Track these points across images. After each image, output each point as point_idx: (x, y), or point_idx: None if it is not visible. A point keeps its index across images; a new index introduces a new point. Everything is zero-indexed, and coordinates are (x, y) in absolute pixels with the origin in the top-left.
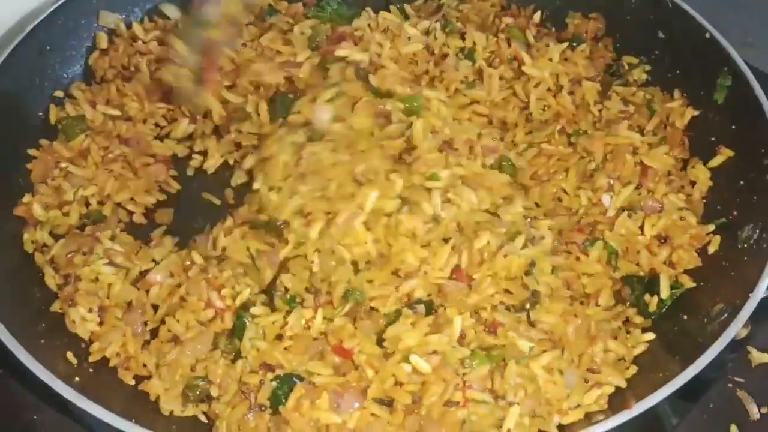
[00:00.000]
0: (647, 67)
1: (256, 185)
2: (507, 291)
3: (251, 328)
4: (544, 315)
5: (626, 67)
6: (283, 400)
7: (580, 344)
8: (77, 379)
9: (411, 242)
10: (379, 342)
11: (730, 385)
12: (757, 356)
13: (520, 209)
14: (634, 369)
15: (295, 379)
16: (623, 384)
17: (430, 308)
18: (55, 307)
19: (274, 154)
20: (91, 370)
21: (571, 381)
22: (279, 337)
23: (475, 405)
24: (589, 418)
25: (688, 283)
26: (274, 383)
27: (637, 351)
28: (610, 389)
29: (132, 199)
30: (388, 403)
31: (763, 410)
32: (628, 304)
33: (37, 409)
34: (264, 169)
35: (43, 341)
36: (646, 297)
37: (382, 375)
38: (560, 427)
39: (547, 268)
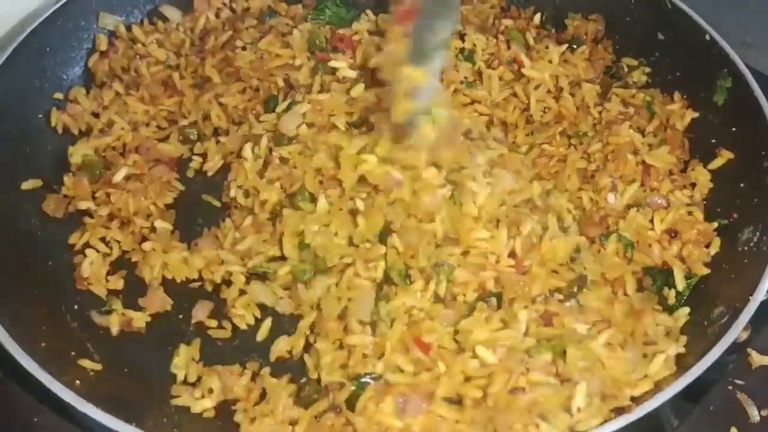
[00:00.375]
0: (647, 69)
1: None
2: (555, 273)
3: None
4: (592, 299)
5: (626, 68)
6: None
7: (629, 322)
8: (78, 382)
9: (475, 221)
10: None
11: (730, 387)
12: (757, 358)
13: (564, 197)
14: (684, 339)
15: (370, 380)
16: (681, 350)
17: (500, 301)
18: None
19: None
20: (91, 373)
21: (632, 357)
22: None
23: (540, 388)
24: (659, 386)
25: (702, 270)
26: (353, 386)
27: (681, 322)
28: (674, 353)
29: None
30: (456, 401)
31: (764, 413)
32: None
33: (37, 411)
34: None
35: (43, 344)
36: (665, 290)
37: (452, 371)
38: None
39: (590, 252)
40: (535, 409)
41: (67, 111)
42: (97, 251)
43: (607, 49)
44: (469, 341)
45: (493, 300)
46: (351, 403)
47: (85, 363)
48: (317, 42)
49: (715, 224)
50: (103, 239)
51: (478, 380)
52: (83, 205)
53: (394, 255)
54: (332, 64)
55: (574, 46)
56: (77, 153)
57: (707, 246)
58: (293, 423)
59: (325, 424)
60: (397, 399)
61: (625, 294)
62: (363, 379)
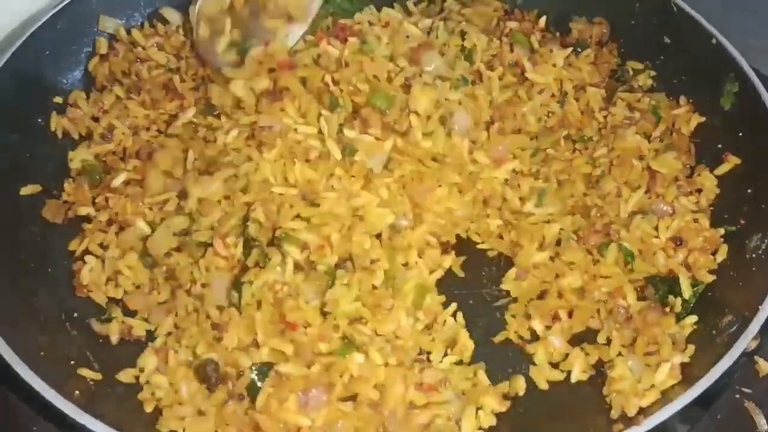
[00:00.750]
0: (652, 73)
1: None
2: None
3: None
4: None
5: (631, 72)
6: (260, 387)
7: (627, 333)
8: (77, 393)
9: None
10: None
11: (738, 395)
12: (765, 367)
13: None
14: (692, 348)
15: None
16: (686, 359)
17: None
18: None
19: None
20: (91, 383)
21: (636, 368)
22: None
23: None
24: (667, 397)
25: (707, 278)
26: (253, 374)
27: (687, 331)
28: (679, 361)
29: None
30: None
31: None
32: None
33: (35, 420)
34: None
35: (42, 354)
36: (670, 298)
37: (337, 366)
38: None
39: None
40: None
41: (67, 115)
42: (96, 257)
43: (612, 53)
44: (338, 313)
45: (349, 264)
46: (252, 391)
47: (85, 372)
48: (318, 27)
49: (722, 231)
50: (101, 244)
51: (371, 380)
52: (83, 210)
53: (257, 229)
54: (321, 46)
55: (579, 50)
56: (77, 158)
57: (714, 253)
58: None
59: (228, 413)
60: (298, 394)
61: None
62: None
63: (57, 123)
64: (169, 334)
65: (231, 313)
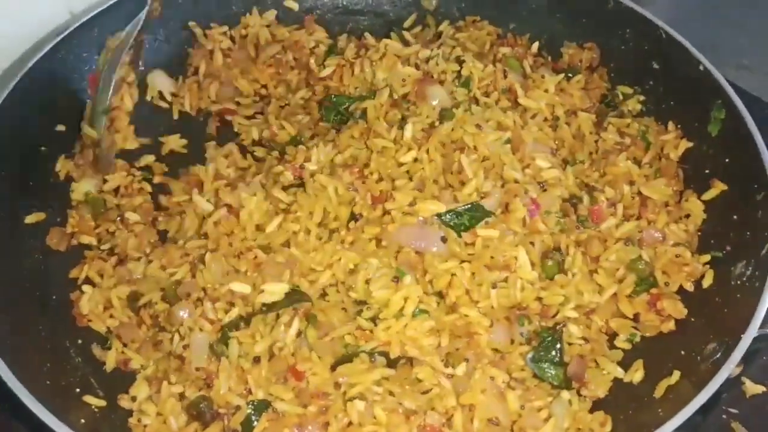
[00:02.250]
0: (641, 98)
1: None
2: None
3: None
4: None
5: (621, 97)
6: (255, 425)
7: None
8: (83, 421)
9: None
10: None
11: (725, 416)
12: (751, 387)
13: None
14: (677, 374)
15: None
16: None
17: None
18: None
19: None
20: (96, 410)
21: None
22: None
23: None
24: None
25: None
26: (249, 409)
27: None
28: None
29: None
30: None
31: None
32: None
33: None
34: None
35: (48, 381)
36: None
37: (334, 410)
38: None
39: None
40: None
41: (75, 161)
42: (93, 285)
43: (602, 77)
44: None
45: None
46: (246, 427)
47: (90, 399)
48: None
49: (706, 257)
50: (100, 273)
51: (367, 427)
52: (85, 239)
53: None
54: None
55: (570, 75)
56: (79, 190)
57: (699, 279)
58: None
59: None
60: (294, 430)
61: None
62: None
63: (63, 166)
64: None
65: (219, 363)
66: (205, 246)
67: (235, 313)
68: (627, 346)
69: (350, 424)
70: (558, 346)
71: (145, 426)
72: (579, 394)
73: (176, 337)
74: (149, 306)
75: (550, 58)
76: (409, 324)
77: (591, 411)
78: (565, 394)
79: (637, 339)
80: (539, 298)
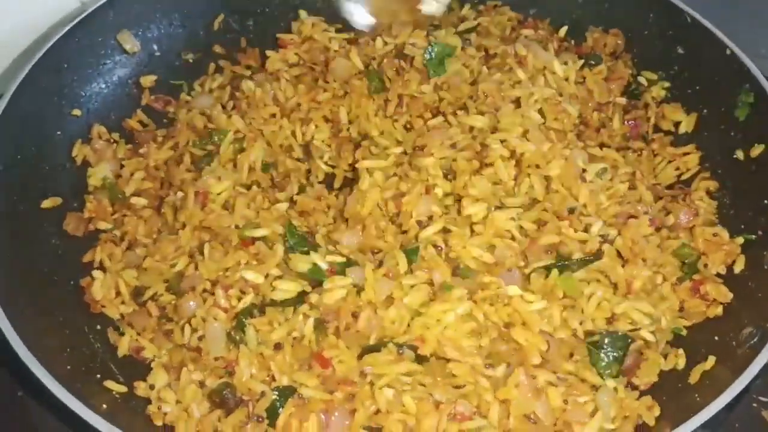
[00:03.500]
0: (666, 84)
1: None
2: None
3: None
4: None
5: (645, 83)
6: (280, 412)
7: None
8: (104, 406)
9: None
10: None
11: (755, 405)
12: None
13: None
14: (712, 360)
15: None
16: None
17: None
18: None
19: None
20: (117, 396)
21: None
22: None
23: None
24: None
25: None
26: (274, 395)
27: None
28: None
29: None
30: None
31: None
32: None
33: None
34: None
35: (69, 367)
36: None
37: (362, 397)
38: None
39: None
40: None
41: (91, 145)
42: (104, 271)
43: (626, 64)
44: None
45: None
46: (271, 413)
47: (111, 385)
48: None
49: (741, 239)
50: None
51: (396, 414)
52: (102, 224)
53: None
54: None
55: (593, 62)
56: (96, 175)
57: (732, 264)
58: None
59: None
60: (320, 415)
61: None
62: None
63: (79, 151)
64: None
65: (238, 351)
66: (198, 237)
67: (249, 300)
68: (670, 337)
69: (378, 411)
70: (627, 347)
71: (165, 414)
72: (629, 384)
73: (187, 328)
74: (155, 298)
75: (573, 43)
76: (450, 325)
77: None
78: (611, 382)
79: (683, 332)
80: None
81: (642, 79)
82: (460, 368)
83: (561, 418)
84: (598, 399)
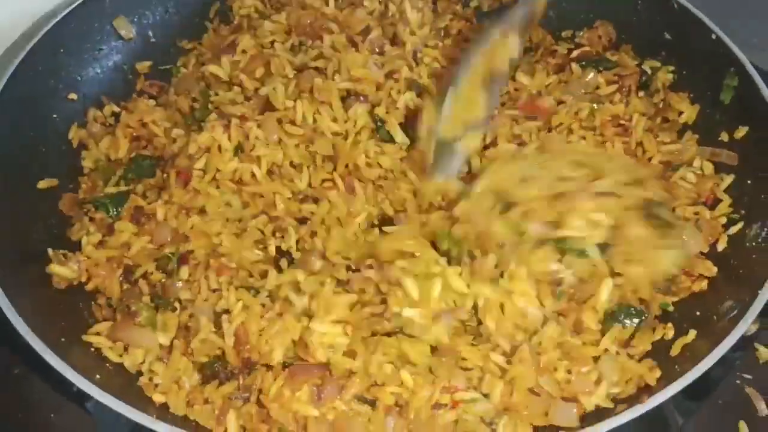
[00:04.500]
0: (670, 68)
1: None
2: None
3: None
4: None
5: (650, 72)
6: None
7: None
8: (98, 376)
9: None
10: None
11: (738, 381)
12: (765, 353)
13: None
14: (693, 333)
15: None
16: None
17: None
18: None
19: None
20: (110, 367)
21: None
22: None
23: (465, 405)
24: (668, 380)
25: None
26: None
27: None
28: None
29: None
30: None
31: None
32: None
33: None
34: None
35: (63, 339)
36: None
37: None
38: None
39: None
40: (459, 427)
41: (87, 129)
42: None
43: (628, 53)
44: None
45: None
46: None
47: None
48: None
49: (723, 219)
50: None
51: (391, 387)
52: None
53: None
54: None
55: (602, 68)
56: (90, 158)
57: (714, 243)
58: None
59: (236, 404)
60: (312, 386)
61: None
62: None
63: (75, 134)
64: None
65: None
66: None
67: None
68: (658, 312)
69: (374, 384)
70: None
71: (156, 385)
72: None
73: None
74: (146, 277)
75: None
76: None
77: None
78: (612, 348)
79: (670, 308)
80: None
81: (646, 67)
82: (469, 351)
83: (566, 390)
84: (601, 367)
